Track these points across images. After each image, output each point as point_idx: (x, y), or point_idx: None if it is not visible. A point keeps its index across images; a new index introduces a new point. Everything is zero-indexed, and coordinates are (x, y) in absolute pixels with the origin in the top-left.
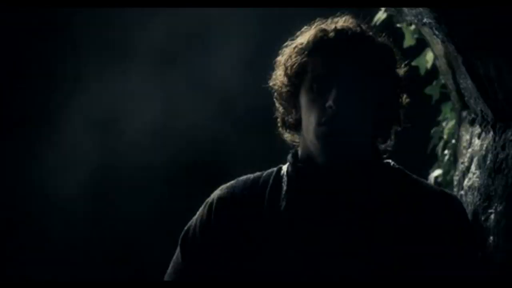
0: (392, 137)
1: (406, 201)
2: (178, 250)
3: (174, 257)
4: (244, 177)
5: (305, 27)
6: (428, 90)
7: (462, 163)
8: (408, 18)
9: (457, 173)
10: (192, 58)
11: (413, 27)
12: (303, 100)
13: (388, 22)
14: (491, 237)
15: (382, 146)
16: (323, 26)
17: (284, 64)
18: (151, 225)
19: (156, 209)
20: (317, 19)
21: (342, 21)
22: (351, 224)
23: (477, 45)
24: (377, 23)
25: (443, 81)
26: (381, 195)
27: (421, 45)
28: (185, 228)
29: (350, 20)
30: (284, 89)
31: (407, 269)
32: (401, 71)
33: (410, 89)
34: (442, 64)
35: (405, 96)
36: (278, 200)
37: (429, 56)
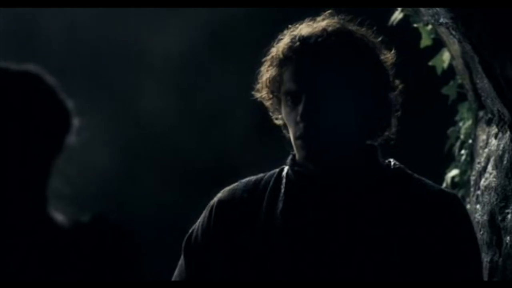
0: (388, 132)
1: (405, 201)
2: (182, 255)
3: (179, 262)
4: (246, 179)
5: (280, 34)
6: (444, 90)
7: (479, 163)
8: (425, 18)
9: (473, 173)
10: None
11: (429, 27)
12: (283, 112)
13: (404, 22)
14: (508, 237)
15: (377, 143)
16: (293, 32)
17: (263, 76)
18: (156, 227)
19: (163, 212)
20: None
21: (310, 26)
22: (348, 226)
23: (494, 45)
24: (394, 23)
25: (459, 81)
26: (378, 195)
27: (438, 45)
28: (189, 232)
29: (323, 23)
30: (267, 102)
31: (407, 269)
32: (388, 60)
33: (400, 80)
34: (458, 64)
35: (397, 82)
36: (276, 202)
37: (445, 56)
